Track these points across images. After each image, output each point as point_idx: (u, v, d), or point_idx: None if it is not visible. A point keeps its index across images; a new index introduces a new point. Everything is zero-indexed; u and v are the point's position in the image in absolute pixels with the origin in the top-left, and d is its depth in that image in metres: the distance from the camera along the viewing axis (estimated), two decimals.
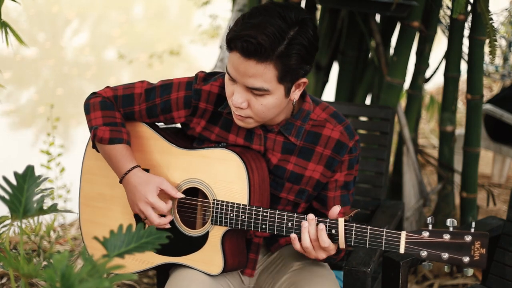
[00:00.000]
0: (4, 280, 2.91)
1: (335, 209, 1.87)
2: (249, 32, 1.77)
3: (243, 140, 2.02)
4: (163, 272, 2.18)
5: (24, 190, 1.40)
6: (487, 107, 4.17)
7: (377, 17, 3.41)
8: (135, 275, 1.26)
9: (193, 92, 2.02)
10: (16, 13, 9.31)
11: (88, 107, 2.08)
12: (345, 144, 2.00)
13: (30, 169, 1.42)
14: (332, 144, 2.00)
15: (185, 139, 2.11)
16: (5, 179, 1.39)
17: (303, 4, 3.37)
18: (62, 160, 3.98)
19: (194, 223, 2.05)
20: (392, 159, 3.70)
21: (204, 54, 7.62)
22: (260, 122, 1.93)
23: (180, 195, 1.97)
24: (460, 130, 3.95)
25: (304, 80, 1.90)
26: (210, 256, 1.98)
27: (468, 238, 1.76)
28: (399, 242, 1.80)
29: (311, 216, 1.86)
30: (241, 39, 1.77)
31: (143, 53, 7.55)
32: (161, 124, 2.15)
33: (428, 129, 5.86)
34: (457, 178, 3.48)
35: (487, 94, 6.21)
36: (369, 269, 2.03)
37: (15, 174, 1.41)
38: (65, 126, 6.29)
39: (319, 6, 3.55)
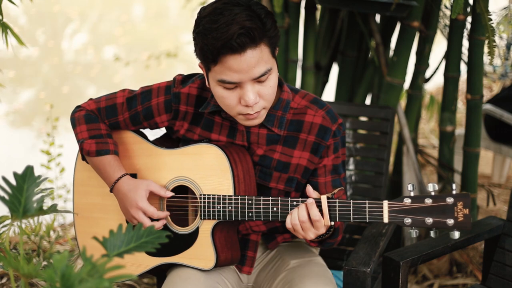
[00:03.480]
0: (4, 280, 2.91)
1: (310, 189, 1.89)
2: (232, 29, 1.77)
3: (226, 138, 2.04)
4: (161, 275, 2.19)
5: (24, 190, 1.40)
6: (487, 107, 4.17)
7: (377, 17, 3.41)
8: (135, 275, 1.27)
9: (172, 96, 2.04)
10: (16, 12, 9.32)
11: (74, 121, 2.13)
12: (329, 128, 2.01)
13: (29, 169, 1.42)
14: (315, 129, 2.01)
15: (171, 141, 2.14)
16: (4, 179, 1.40)
17: (303, 4, 3.37)
18: (62, 160, 3.98)
19: (187, 221, 2.06)
20: (392, 159, 3.70)
21: None
22: (268, 108, 1.94)
23: (169, 194, 2.00)
24: (460, 130, 3.95)
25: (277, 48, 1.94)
26: (202, 251, 1.99)
27: (450, 200, 1.77)
28: (382, 211, 1.82)
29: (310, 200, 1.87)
30: (232, 38, 1.77)
31: (147, 52, 7.55)
32: (147, 131, 2.17)
33: (428, 129, 5.86)
34: (457, 178, 3.48)
35: (487, 94, 6.21)
36: (369, 269, 2.03)
37: (15, 174, 1.41)
38: (69, 124, 6.30)
39: (319, 6, 3.55)
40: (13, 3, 2.44)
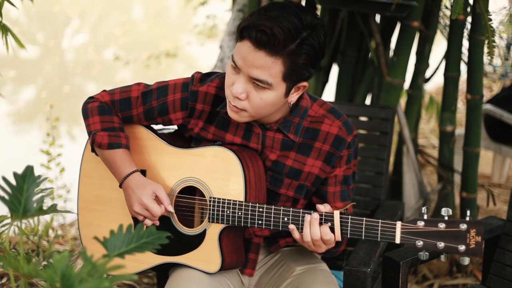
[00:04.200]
0: (4, 280, 2.91)
1: (327, 207, 1.89)
2: (265, 23, 1.77)
3: (241, 139, 2.02)
4: (163, 273, 2.18)
5: (24, 190, 1.40)
6: (487, 107, 4.17)
7: (377, 17, 3.41)
8: (135, 275, 1.26)
9: (190, 94, 2.03)
10: (16, 12, 9.32)
11: (86, 112, 2.09)
12: (344, 139, 2.01)
13: (29, 169, 1.42)
14: (330, 139, 2.01)
15: (182, 140, 2.11)
16: (4, 179, 1.40)
17: (303, 4, 3.37)
18: (62, 160, 3.98)
19: (192, 222, 2.05)
20: (392, 159, 3.70)
21: (204, 54, 7.64)
22: (254, 117, 1.93)
23: (171, 209, 1.98)
24: (460, 130, 3.95)
25: (305, 84, 1.91)
26: (208, 254, 1.98)
27: (463, 227, 1.76)
28: (394, 232, 1.81)
29: (315, 215, 1.87)
30: (256, 28, 1.77)
31: (147, 51, 7.57)
32: (159, 126, 2.15)
33: (428, 129, 5.86)
34: (457, 178, 3.48)
35: (487, 94, 6.22)
36: (369, 269, 2.03)
37: (14, 174, 1.41)
38: (70, 124, 6.30)
39: (319, 6, 3.55)
40: (12, 4, 2.43)
